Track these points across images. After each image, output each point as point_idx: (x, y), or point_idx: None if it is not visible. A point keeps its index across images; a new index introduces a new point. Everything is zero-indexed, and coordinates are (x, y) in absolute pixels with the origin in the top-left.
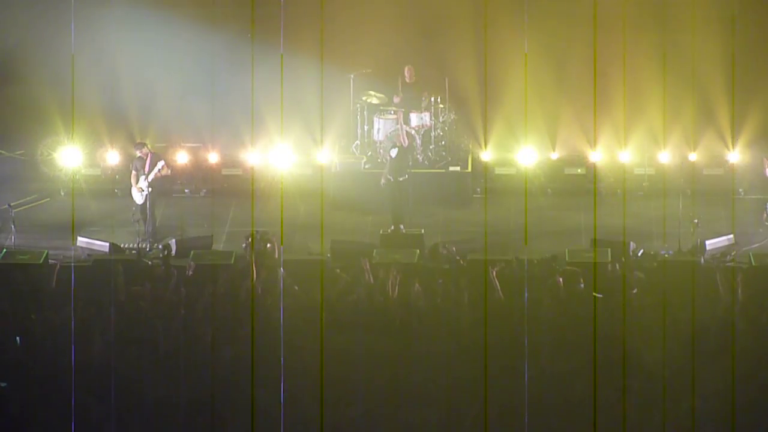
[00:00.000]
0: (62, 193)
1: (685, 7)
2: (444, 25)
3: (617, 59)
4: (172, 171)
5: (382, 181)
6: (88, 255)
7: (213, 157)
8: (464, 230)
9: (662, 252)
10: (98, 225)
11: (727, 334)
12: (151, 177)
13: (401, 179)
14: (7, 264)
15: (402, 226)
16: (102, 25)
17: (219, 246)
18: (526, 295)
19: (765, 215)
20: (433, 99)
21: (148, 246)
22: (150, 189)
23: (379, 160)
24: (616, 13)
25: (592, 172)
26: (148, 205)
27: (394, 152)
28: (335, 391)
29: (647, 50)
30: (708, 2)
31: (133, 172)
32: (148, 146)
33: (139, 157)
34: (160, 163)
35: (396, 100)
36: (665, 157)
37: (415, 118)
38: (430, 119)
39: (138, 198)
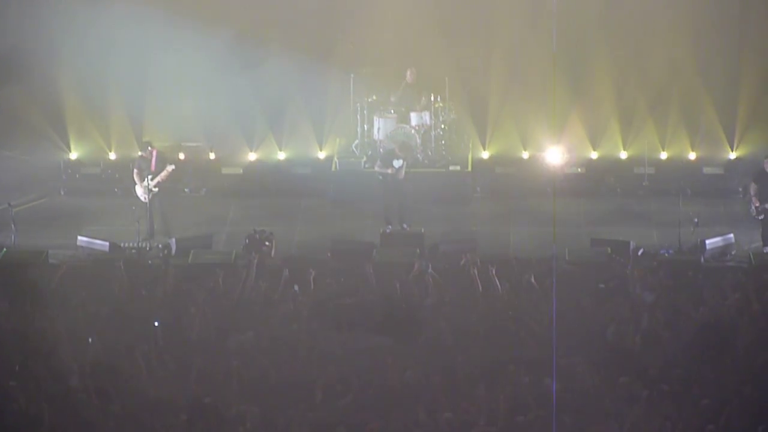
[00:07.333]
0: (62, 193)
1: (688, 5)
2: (445, 25)
3: (620, 59)
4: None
5: (382, 171)
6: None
7: (213, 156)
8: (464, 229)
9: (662, 251)
10: (98, 224)
11: (728, 333)
12: (159, 178)
13: (400, 173)
14: (8, 263)
15: (405, 225)
16: (102, 24)
17: (219, 245)
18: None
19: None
20: (433, 98)
21: (148, 245)
22: (156, 189)
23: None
24: (621, 13)
25: (592, 172)
26: (150, 204)
27: (397, 163)
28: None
29: (648, 50)
30: (710, 1)
31: (135, 171)
32: (154, 145)
33: (142, 156)
34: (170, 167)
35: (392, 99)
36: (665, 156)
37: (414, 118)
38: (430, 119)
39: (143, 197)
